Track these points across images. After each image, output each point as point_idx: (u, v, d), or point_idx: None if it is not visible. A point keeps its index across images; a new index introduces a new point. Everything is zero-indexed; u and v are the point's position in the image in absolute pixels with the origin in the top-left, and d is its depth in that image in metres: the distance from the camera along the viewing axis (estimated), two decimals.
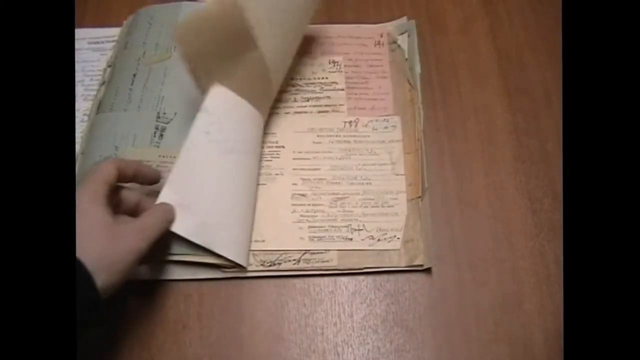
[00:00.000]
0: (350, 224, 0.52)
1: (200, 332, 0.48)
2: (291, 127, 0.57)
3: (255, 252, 0.51)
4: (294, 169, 0.55)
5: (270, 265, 0.51)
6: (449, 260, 0.51)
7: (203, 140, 0.49)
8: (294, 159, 0.55)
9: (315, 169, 0.55)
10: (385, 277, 0.51)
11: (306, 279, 0.51)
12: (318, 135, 0.57)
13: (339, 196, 0.54)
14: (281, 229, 0.52)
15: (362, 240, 0.52)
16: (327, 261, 0.51)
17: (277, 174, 0.55)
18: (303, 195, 0.54)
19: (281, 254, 0.51)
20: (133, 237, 0.42)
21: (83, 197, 0.42)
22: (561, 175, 0.54)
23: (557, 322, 0.48)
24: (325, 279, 0.51)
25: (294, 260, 0.51)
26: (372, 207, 0.53)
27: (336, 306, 0.50)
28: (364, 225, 0.52)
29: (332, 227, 0.52)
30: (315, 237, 0.52)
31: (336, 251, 0.51)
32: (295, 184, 0.54)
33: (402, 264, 0.51)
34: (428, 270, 0.51)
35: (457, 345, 0.48)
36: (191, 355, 0.47)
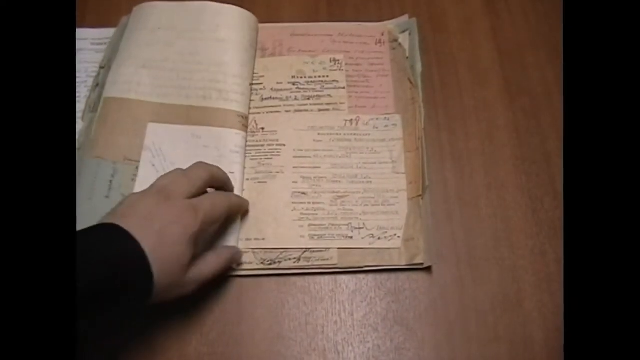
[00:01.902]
0: (351, 223, 0.52)
1: (201, 330, 0.48)
2: (292, 125, 0.57)
3: (256, 251, 0.51)
4: (294, 167, 0.55)
5: (270, 264, 0.51)
6: (449, 259, 0.51)
7: (152, 173, 0.53)
8: (294, 157, 0.55)
9: (316, 167, 0.55)
10: (385, 275, 0.51)
11: (306, 277, 0.51)
12: (319, 134, 0.57)
13: (340, 194, 0.54)
14: (281, 227, 0.52)
15: (363, 238, 0.52)
16: (328, 259, 0.51)
17: (277, 172, 0.55)
18: (303, 193, 0.54)
19: (281, 253, 0.51)
20: (194, 283, 0.45)
21: (191, 227, 0.44)
22: (562, 174, 0.54)
23: (557, 321, 0.48)
24: (326, 277, 0.51)
25: (295, 258, 0.51)
26: (373, 205, 0.53)
27: (336, 304, 0.50)
28: (364, 224, 0.52)
29: (333, 225, 0.52)
30: (315, 235, 0.52)
31: (336, 249, 0.51)
32: (295, 182, 0.54)
33: (402, 262, 0.51)
34: (428, 269, 0.51)
35: (457, 344, 0.48)
36: (191, 353, 0.48)
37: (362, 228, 0.52)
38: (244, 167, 0.55)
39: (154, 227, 0.43)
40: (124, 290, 0.40)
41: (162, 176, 0.48)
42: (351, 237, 0.52)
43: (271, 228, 0.52)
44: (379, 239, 0.52)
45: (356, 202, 0.53)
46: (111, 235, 0.41)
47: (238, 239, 0.51)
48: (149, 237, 0.42)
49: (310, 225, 0.52)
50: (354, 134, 0.57)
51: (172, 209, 0.44)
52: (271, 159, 0.55)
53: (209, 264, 0.47)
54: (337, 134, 0.57)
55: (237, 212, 0.52)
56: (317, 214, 0.53)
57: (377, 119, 0.57)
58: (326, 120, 0.57)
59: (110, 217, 0.43)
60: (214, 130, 0.55)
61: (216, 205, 0.47)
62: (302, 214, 0.53)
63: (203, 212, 0.45)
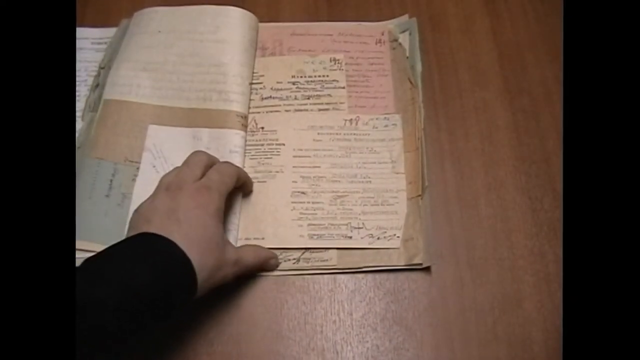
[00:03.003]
0: (350, 222, 0.52)
1: (200, 330, 0.48)
2: (291, 124, 0.57)
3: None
4: (294, 167, 0.55)
5: None
6: (448, 259, 0.51)
7: (152, 174, 0.53)
8: (294, 156, 0.55)
9: (315, 167, 0.55)
10: (384, 275, 0.51)
11: (306, 277, 0.51)
12: (318, 133, 0.57)
13: (339, 194, 0.54)
14: (281, 226, 0.52)
15: (362, 238, 0.52)
16: (327, 260, 0.51)
17: (277, 172, 0.55)
18: (303, 193, 0.54)
19: (281, 253, 0.51)
20: (233, 264, 0.46)
21: (211, 204, 0.45)
22: (561, 175, 0.54)
23: (556, 321, 0.48)
24: (325, 277, 0.51)
25: (294, 259, 0.51)
26: (372, 205, 0.53)
27: (335, 304, 0.50)
28: (363, 224, 0.52)
29: (332, 225, 0.52)
30: (315, 234, 0.52)
31: (336, 250, 0.51)
32: (295, 182, 0.54)
33: (401, 262, 0.51)
34: (427, 269, 0.51)
35: (456, 344, 0.48)
36: (190, 353, 0.48)
37: (362, 228, 0.52)
38: (244, 167, 0.55)
39: (178, 218, 0.43)
40: (173, 292, 0.41)
41: (164, 176, 0.49)
42: (350, 237, 0.52)
43: (271, 227, 0.52)
44: (378, 238, 0.51)
45: (355, 201, 0.53)
46: (145, 243, 0.42)
47: (237, 238, 0.51)
48: (178, 231, 0.42)
49: (309, 224, 0.52)
50: (354, 134, 0.57)
51: (187, 197, 0.45)
52: (271, 158, 0.55)
53: (248, 252, 0.49)
54: (336, 134, 0.57)
55: (245, 179, 0.52)
56: (316, 214, 0.53)
57: (376, 118, 0.57)
58: (326, 119, 0.57)
59: (135, 229, 0.44)
60: (214, 132, 0.55)
61: (224, 174, 0.49)
62: (301, 213, 0.53)
63: (216, 187, 0.47)
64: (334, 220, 0.52)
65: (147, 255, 0.41)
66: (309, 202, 0.53)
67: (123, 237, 0.43)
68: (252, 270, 0.50)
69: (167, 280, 0.40)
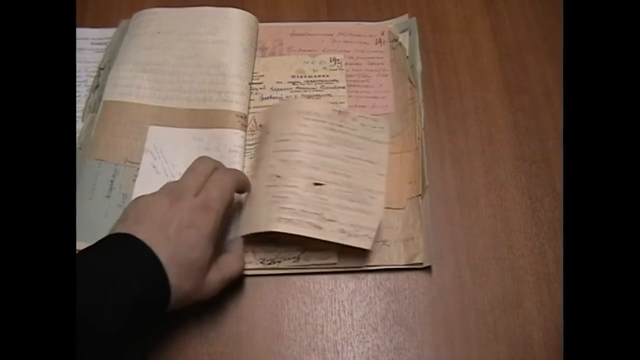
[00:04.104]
0: (323, 213, 0.50)
1: (200, 330, 0.48)
2: (278, 110, 0.56)
3: (255, 250, 0.51)
4: (273, 152, 0.53)
5: (269, 263, 0.51)
6: (448, 259, 0.51)
7: (152, 174, 0.54)
8: (274, 141, 0.54)
9: (295, 151, 0.53)
10: (385, 275, 0.51)
11: (306, 277, 0.51)
12: (304, 118, 0.54)
13: (316, 181, 0.51)
14: (253, 210, 0.51)
15: (332, 232, 0.49)
16: (327, 259, 0.51)
17: (260, 159, 0.54)
18: (278, 176, 0.51)
19: (280, 253, 0.51)
20: (215, 285, 0.46)
21: (207, 227, 0.44)
22: (561, 174, 0.54)
23: (556, 321, 0.48)
24: (325, 277, 0.51)
25: (294, 258, 0.51)
26: (349, 200, 0.51)
27: (336, 304, 0.50)
28: (336, 217, 0.50)
29: (303, 211, 0.49)
30: (283, 218, 0.49)
31: (336, 249, 0.51)
32: (272, 166, 0.52)
33: (401, 262, 0.51)
34: (428, 269, 0.51)
35: (456, 344, 0.48)
36: (190, 353, 0.48)
37: (334, 221, 0.49)
38: (244, 167, 0.55)
39: (169, 233, 0.43)
40: (144, 303, 0.41)
41: (170, 182, 0.48)
42: (320, 228, 0.49)
43: (244, 212, 0.52)
44: (349, 235, 0.49)
45: (332, 193, 0.51)
46: (127, 249, 0.41)
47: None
48: (164, 245, 0.42)
49: (280, 207, 0.49)
50: (341, 126, 0.55)
51: (185, 211, 0.44)
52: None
53: (230, 264, 0.48)
54: (322, 122, 0.54)
55: (244, 184, 0.51)
56: (288, 197, 0.50)
57: (365, 117, 0.56)
58: (314, 105, 0.56)
59: (123, 225, 0.43)
60: (214, 132, 0.55)
61: (224, 189, 0.47)
62: (273, 196, 0.50)
63: (215, 206, 0.46)
64: (305, 207, 0.50)
65: (128, 266, 0.40)
66: (283, 186, 0.51)
67: None
68: (239, 275, 0.49)
69: (139, 290, 0.40)
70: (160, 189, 0.47)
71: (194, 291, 0.44)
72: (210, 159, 0.50)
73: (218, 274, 0.46)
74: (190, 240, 0.43)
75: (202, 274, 0.44)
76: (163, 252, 0.41)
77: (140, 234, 0.42)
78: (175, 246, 0.42)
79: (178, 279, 0.42)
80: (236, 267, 0.48)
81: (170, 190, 0.46)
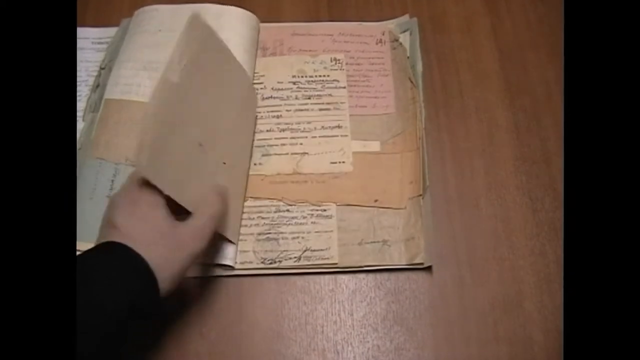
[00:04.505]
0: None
1: (201, 330, 0.48)
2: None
3: (256, 250, 0.51)
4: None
5: (270, 263, 0.51)
6: (449, 259, 0.51)
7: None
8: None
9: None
10: (385, 275, 0.51)
11: (306, 277, 0.51)
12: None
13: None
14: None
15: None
16: (328, 258, 0.51)
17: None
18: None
19: (281, 252, 0.51)
20: (192, 242, 0.43)
21: (142, 202, 0.42)
22: (562, 175, 0.54)
23: (557, 322, 0.48)
24: (326, 276, 0.51)
25: (295, 257, 0.51)
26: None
27: (336, 304, 0.50)
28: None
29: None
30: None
31: (337, 249, 0.51)
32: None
33: (402, 262, 0.51)
34: (428, 269, 0.51)
35: (456, 344, 0.48)
36: (191, 352, 0.48)
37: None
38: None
39: (159, 250, 0.41)
40: (136, 313, 0.40)
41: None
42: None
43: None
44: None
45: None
46: (123, 261, 0.40)
47: (238, 240, 0.52)
48: (155, 257, 0.40)
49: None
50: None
51: (179, 235, 0.42)
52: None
53: (209, 202, 0.45)
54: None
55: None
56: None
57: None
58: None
59: (114, 232, 0.41)
60: None
61: (220, 218, 0.45)
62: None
63: (207, 237, 0.44)
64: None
65: (122, 274, 0.39)
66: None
67: None
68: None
69: (133, 302, 0.39)
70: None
71: (174, 290, 0.42)
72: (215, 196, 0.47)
73: (195, 223, 0.43)
74: (180, 260, 0.42)
75: (181, 278, 0.43)
76: (155, 263, 0.40)
77: (132, 244, 0.40)
78: (164, 262, 0.41)
79: (165, 283, 0.41)
80: (215, 202, 0.45)
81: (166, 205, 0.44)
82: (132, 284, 0.39)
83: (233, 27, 0.60)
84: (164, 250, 0.41)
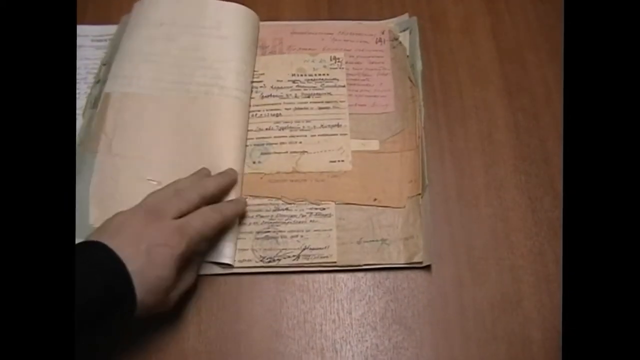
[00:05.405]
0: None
1: (199, 328, 0.48)
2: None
3: (255, 248, 0.51)
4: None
5: (269, 262, 0.51)
6: (448, 258, 0.51)
7: None
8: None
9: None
10: (384, 274, 0.51)
11: (305, 276, 0.51)
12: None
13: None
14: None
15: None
16: (327, 257, 0.51)
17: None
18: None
19: (280, 251, 0.51)
20: (175, 300, 0.46)
21: (178, 248, 0.44)
22: (561, 174, 0.54)
23: (555, 321, 0.48)
24: (325, 275, 0.51)
25: (294, 256, 0.51)
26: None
27: (335, 303, 0.50)
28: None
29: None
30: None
31: (336, 247, 0.51)
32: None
33: (401, 261, 0.51)
34: (427, 268, 0.51)
35: (455, 343, 0.48)
36: (189, 351, 0.48)
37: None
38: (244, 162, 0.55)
39: (141, 248, 0.42)
40: (109, 311, 0.40)
41: (153, 193, 0.48)
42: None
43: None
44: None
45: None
46: (98, 256, 0.41)
47: (236, 239, 0.52)
48: (135, 259, 0.41)
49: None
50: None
51: (160, 231, 0.44)
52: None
53: (186, 281, 0.47)
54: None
55: (232, 221, 0.51)
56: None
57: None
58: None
59: (98, 235, 0.43)
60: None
61: (207, 224, 0.47)
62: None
63: (190, 235, 0.45)
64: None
65: (96, 274, 0.40)
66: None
67: None
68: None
69: (106, 299, 0.40)
70: (140, 203, 0.47)
71: (158, 305, 0.44)
72: (201, 183, 0.50)
73: (177, 291, 0.46)
74: (160, 257, 0.43)
75: (166, 291, 0.44)
76: (132, 266, 0.41)
77: (113, 245, 0.41)
78: (146, 261, 0.42)
79: (145, 293, 0.41)
80: (191, 280, 0.48)
81: (150, 210, 0.45)
82: (105, 268, 0.40)
83: (234, 24, 0.60)
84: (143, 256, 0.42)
